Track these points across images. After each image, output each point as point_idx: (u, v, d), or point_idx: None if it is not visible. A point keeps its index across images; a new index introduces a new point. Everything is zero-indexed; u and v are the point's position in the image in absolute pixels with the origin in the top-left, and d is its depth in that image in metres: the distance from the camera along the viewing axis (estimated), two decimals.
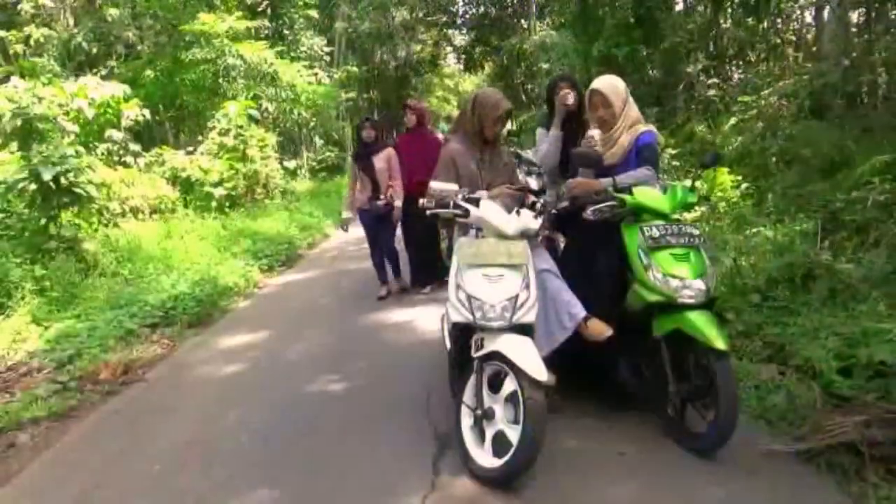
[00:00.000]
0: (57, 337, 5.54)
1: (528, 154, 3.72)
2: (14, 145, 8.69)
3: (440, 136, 6.55)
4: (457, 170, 3.56)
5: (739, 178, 7.01)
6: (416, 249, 6.45)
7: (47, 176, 6.88)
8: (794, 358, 3.58)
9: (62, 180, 7.12)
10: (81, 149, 8.57)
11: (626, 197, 3.19)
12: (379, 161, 6.00)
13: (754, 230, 5.62)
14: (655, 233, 3.09)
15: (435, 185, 3.25)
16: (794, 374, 3.48)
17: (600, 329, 3.16)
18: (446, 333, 3.71)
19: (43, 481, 3.35)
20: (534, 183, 3.83)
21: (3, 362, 5.15)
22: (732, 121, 9.92)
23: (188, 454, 3.46)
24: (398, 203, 6.03)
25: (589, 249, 3.48)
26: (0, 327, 5.75)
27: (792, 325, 3.89)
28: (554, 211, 3.46)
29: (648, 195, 3.21)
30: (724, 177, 6.82)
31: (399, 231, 6.47)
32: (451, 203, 3.14)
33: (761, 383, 3.51)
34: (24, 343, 5.54)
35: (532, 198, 3.68)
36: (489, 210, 3.13)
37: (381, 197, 6.02)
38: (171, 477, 3.24)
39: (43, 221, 7.19)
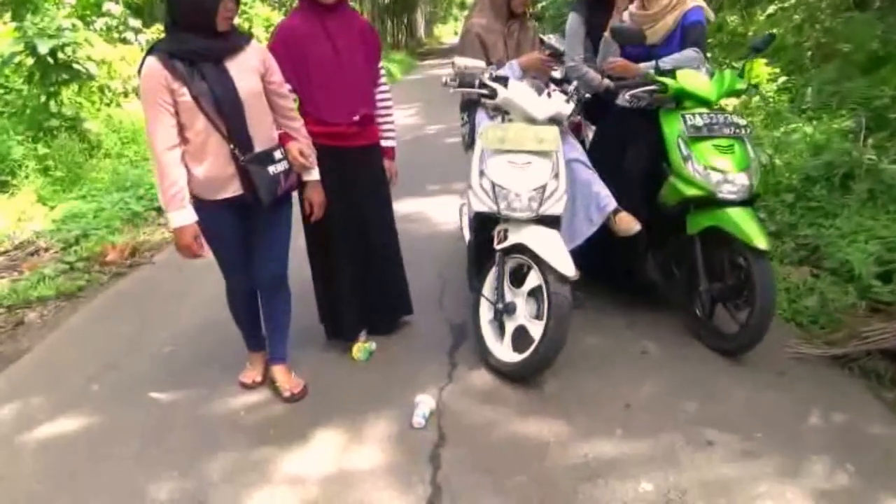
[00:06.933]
0: (63, 217, 5.44)
1: (552, 39, 3.37)
2: (8, 17, 8.25)
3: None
4: (484, 48, 3.26)
5: (777, 70, 6.57)
6: (359, 267, 3.01)
7: (43, 49, 6.54)
8: (830, 260, 3.42)
9: (60, 55, 6.80)
10: (78, 22, 8.09)
11: (669, 81, 2.90)
12: (244, 73, 2.35)
13: (790, 127, 5.29)
14: (699, 122, 2.84)
15: (460, 60, 2.96)
16: (829, 277, 3.33)
17: (630, 223, 2.96)
18: (465, 224, 3.56)
19: (53, 360, 3.31)
20: (556, 72, 3.52)
21: (9, 241, 5.07)
22: (770, 10, 9.26)
23: (200, 337, 3.39)
24: (316, 173, 2.66)
25: (621, 139, 3.23)
26: (5, 206, 5.64)
27: (828, 227, 3.70)
28: (588, 95, 3.19)
29: (693, 80, 2.92)
30: (761, 69, 6.38)
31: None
32: (477, 82, 2.87)
33: (792, 285, 3.37)
34: (30, 222, 5.45)
35: (553, 86, 3.39)
36: (518, 91, 2.86)
37: (277, 156, 2.45)
38: (182, 360, 3.19)
39: (43, 98, 6.92)
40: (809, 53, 7.53)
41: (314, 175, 2.65)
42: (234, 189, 2.42)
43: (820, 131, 5.04)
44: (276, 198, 2.46)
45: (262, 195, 2.38)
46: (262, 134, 2.43)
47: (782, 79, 6.51)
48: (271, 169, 2.41)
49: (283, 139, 2.54)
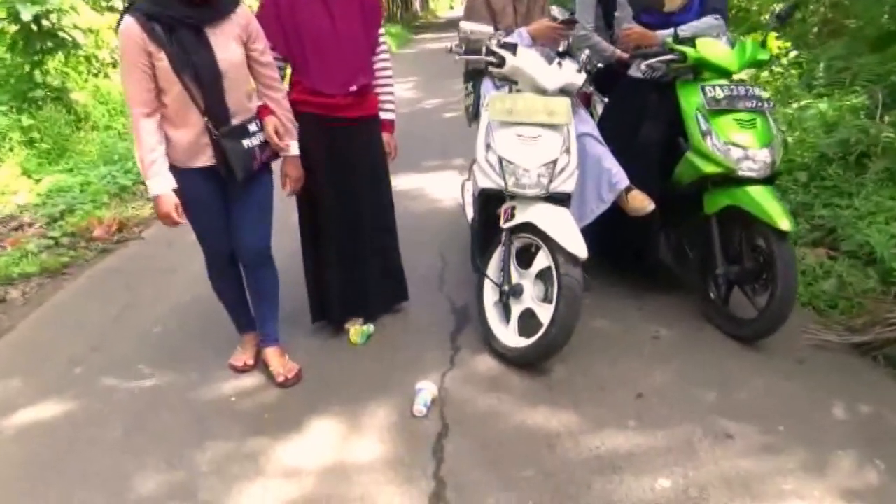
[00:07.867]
0: (48, 191, 5.27)
1: (554, 10, 3.20)
2: None
3: None
4: (492, 14, 3.07)
5: (788, 45, 6.37)
6: (350, 259, 2.83)
7: (27, 15, 6.28)
8: (847, 242, 3.28)
9: (44, 22, 6.55)
10: None
11: (688, 50, 2.73)
12: (225, 41, 2.21)
13: (803, 103, 5.12)
14: (719, 94, 2.67)
15: (466, 24, 2.78)
16: (847, 259, 3.20)
17: (643, 202, 2.80)
18: (468, 201, 3.40)
19: (36, 340, 3.16)
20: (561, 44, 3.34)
21: None
22: None
23: (190, 317, 3.25)
24: (294, 148, 2.47)
25: (634, 112, 3.06)
26: None
27: (844, 208, 3.56)
28: (599, 65, 3.01)
29: (714, 49, 2.74)
30: (772, 42, 6.16)
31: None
32: (484, 49, 2.68)
33: (808, 268, 3.23)
34: (14, 196, 5.26)
35: (557, 58, 3.21)
36: (528, 59, 2.67)
37: (252, 128, 2.33)
38: (171, 341, 3.05)
39: (27, 67, 6.67)
40: (815, 29, 7.34)
41: (292, 150, 2.48)
42: (208, 158, 2.30)
43: (833, 108, 4.87)
44: (248, 172, 2.34)
45: (235, 169, 2.28)
46: (240, 105, 2.31)
47: (792, 54, 6.31)
48: (246, 143, 2.30)
49: (262, 111, 2.39)
